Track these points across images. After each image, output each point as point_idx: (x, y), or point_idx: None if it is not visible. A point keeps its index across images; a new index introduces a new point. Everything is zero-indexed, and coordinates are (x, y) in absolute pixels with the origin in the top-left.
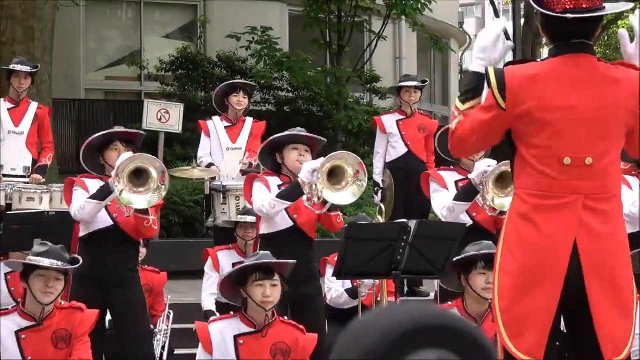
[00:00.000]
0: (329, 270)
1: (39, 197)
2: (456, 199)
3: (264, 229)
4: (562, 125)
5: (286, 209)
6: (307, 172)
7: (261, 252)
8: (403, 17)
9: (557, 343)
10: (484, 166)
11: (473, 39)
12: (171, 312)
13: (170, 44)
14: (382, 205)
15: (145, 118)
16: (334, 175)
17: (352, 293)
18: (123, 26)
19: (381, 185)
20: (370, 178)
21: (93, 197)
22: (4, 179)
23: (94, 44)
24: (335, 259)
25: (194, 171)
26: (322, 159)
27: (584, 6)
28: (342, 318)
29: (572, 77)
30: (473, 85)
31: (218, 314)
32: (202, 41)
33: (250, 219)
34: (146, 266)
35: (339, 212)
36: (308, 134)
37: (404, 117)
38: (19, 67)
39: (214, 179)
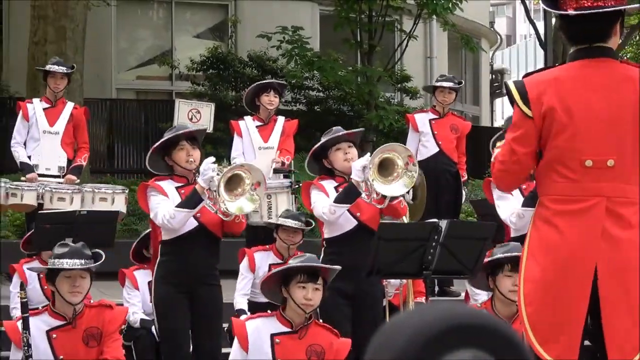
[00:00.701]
0: None
1: (69, 197)
2: (525, 204)
3: (328, 233)
4: (582, 127)
5: (349, 209)
6: (358, 170)
7: (307, 254)
8: (434, 17)
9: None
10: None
11: (504, 39)
12: None
13: (201, 43)
14: (412, 203)
15: (176, 117)
16: (385, 168)
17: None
18: (154, 26)
19: None
20: None
21: (183, 205)
22: (39, 178)
23: (125, 43)
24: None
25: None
26: (368, 155)
27: (586, 4)
28: None
29: (592, 80)
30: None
31: (249, 314)
32: (233, 41)
33: (291, 223)
34: None
35: (401, 198)
36: (345, 131)
37: (437, 116)
38: (55, 68)
39: None
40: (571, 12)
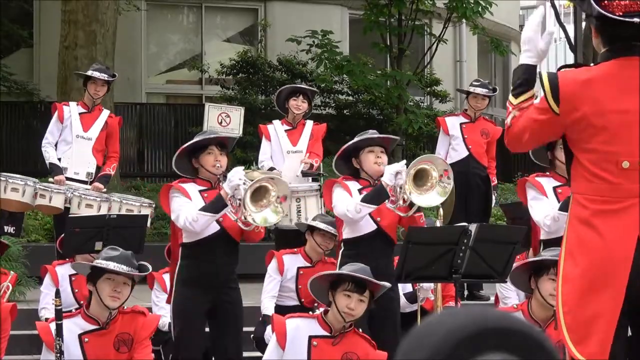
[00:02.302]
0: None
1: (97, 205)
2: (561, 208)
3: (347, 233)
4: (617, 129)
5: (369, 213)
6: (390, 174)
7: (361, 264)
8: (463, 20)
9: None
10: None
11: None
12: None
13: (231, 47)
14: (441, 208)
15: (205, 121)
16: (419, 178)
17: (411, 297)
18: (184, 30)
19: None
20: None
21: (207, 209)
22: (67, 182)
23: (155, 47)
24: (396, 262)
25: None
26: (404, 161)
27: (634, 9)
28: (401, 322)
29: (626, 80)
30: (523, 78)
31: None
32: (263, 45)
33: (331, 229)
34: None
35: (422, 213)
36: (381, 135)
37: (468, 120)
38: (97, 74)
39: None
40: (618, 15)
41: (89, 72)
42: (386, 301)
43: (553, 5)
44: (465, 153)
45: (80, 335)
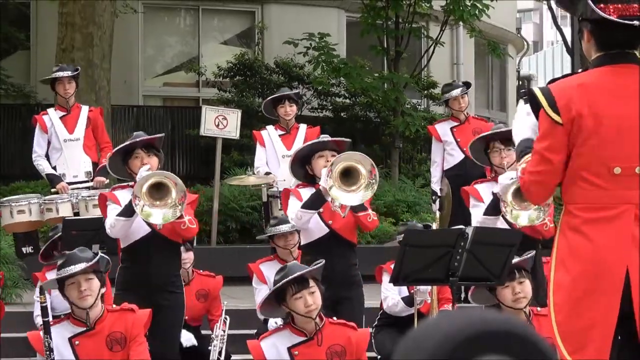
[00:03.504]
0: (386, 278)
1: None
2: (486, 213)
3: (303, 240)
4: (609, 134)
5: (321, 217)
6: (324, 177)
7: (288, 264)
8: (460, 23)
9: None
10: (507, 179)
11: (531, 45)
12: (227, 317)
13: (228, 50)
14: (438, 213)
15: (202, 124)
16: (350, 176)
17: (408, 301)
18: (181, 33)
19: (439, 194)
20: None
21: (120, 214)
22: (70, 187)
23: (152, 50)
24: (392, 266)
25: (249, 178)
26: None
27: (629, 13)
28: (398, 325)
29: (618, 86)
30: (525, 147)
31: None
32: (260, 47)
33: (284, 228)
34: (201, 271)
35: (368, 212)
36: (329, 139)
37: (457, 123)
38: (60, 74)
39: (271, 186)
40: (615, 18)
41: (53, 75)
42: (346, 302)
43: (550, 9)
44: (461, 156)
45: (70, 339)
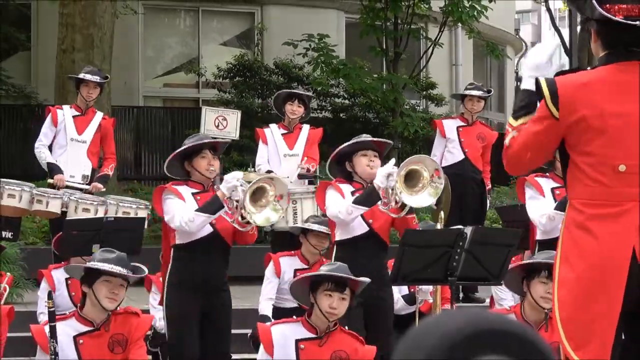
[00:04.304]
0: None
1: (94, 209)
2: (558, 208)
3: (339, 235)
4: (616, 133)
5: (362, 215)
6: (382, 176)
7: (339, 263)
8: (459, 24)
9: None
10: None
11: (529, 46)
12: None
13: (228, 51)
14: (441, 211)
15: (202, 125)
16: (410, 178)
17: (409, 299)
18: (181, 34)
19: None
20: None
21: (203, 210)
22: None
23: (152, 51)
24: (391, 265)
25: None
26: (393, 161)
27: (635, 14)
28: (398, 325)
29: (624, 84)
30: (526, 102)
31: (273, 320)
32: (260, 48)
33: (323, 229)
34: None
35: (414, 215)
36: (375, 139)
37: (465, 124)
38: (89, 77)
39: None
40: (620, 18)
41: (81, 75)
42: (379, 302)
43: (548, 10)
44: (461, 156)
45: (75, 337)
